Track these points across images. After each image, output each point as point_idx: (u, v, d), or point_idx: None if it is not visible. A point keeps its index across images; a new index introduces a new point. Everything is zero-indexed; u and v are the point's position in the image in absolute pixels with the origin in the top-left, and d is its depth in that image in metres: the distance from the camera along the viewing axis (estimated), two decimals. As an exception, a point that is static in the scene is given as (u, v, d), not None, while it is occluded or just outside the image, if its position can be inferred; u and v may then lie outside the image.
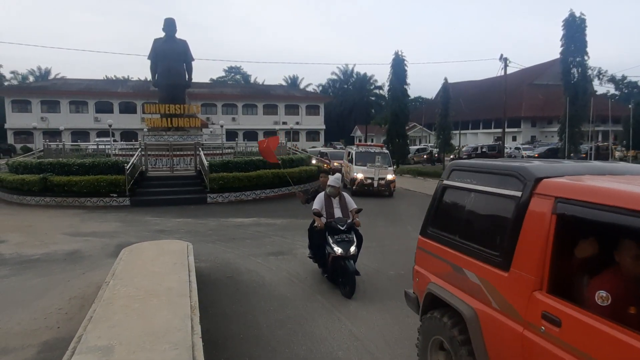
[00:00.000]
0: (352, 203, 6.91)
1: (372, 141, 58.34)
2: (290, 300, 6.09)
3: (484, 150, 39.33)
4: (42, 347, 4.74)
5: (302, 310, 5.73)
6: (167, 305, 4.17)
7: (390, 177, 16.86)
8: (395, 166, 29.25)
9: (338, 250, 6.19)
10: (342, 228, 6.36)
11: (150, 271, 5.30)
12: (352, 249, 6.30)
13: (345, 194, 6.98)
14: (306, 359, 4.50)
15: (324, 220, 6.54)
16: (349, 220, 6.53)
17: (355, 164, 17.17)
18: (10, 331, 5.13)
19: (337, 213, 6.69)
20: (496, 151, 39.28)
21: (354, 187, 16.56)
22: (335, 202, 6.80)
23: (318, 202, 6.77)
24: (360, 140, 60.66)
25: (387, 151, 18.31)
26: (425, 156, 39.87)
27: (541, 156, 37.13)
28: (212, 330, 4.97)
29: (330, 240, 6.31)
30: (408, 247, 9.11)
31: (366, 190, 16.48)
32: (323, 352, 4.62)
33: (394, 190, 17.08)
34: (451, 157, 41.40)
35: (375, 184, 16.50)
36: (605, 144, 36.33)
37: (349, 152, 19.16)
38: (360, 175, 16.55)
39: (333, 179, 6.91)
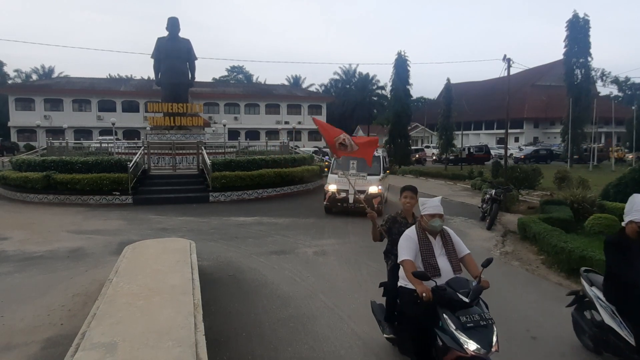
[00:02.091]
0: (461, 245, 4.03)
1: (374, 141, 58.24)
2: (293, 299, 6.09)
3: (471, 151, 39.16)
4: (45, 343, 4.76)
5: (305, 309, 5.73)
6: (170, 303, 4.19)
7: (373, 189, 12.32)
8: (397, 167, 29.24)
9: (471, 345, 3.26)
10: (467, 300, 3.42)
11: (153, 269, 5.32)
12: (495, 340, 3.33)
13: (449, 230, 4.08)
14: (308, 358, 4.50)
15: (431, 284, 3.55)
16: (473, 283, 3.57)
17: (331, 172, 13.29)
18: (14, 327, 5.15)
19: (444, 264, 3.82)
20: (483, 152, 39.26)
21: (325, 203, 12.78)
22: (438, 244, 3.92)
23: (409, 247, 3.85)
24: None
25: (379, 154, 14.04)
26: None
27: (528, 158, 36.89)
28: (215, 328, 4.98)
29: (452, 326, 3.36)
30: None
31: (341, 207, 12.47)
32: (326, 351, 4.63)
33: (381, 208, 12.27)
34: (434, 158, 41.33)
35: (351, 199, 12.12)
36: (601, 145, 36.23)
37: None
38: (332, 187, 12.41)
39: (434, 204, 3.98)
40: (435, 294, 3.47)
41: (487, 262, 3.72)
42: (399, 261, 3.89)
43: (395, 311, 4.38)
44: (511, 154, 42.02)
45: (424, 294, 3.45)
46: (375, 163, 13.32)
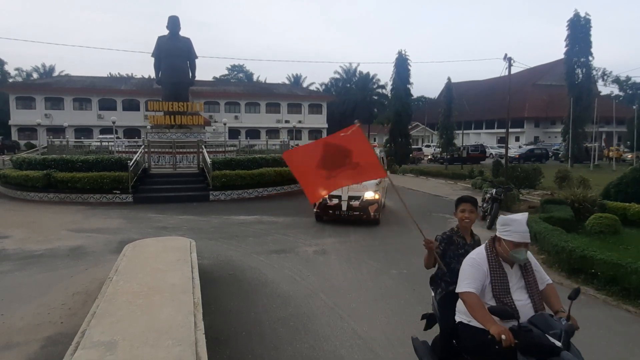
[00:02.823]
0: (543, 273, 3.14)
1: (374, 141, 58.21)
2: (293, 298, 6.08)
3: (467, 150, 38.99)
4: (45, 342, 4.75)
5: (305, 308, 5.72)
6: (170, 302, 4.18)
7: (369, 195, 10.91)
8: (397, 166, 29.22)
9: None
10: (560, 344, 2.60)
11: (153, 267, 5.31)
12: None
13: (529, 255, 3.13)
14: (308, 357, 4.50)
15: (510, 323, 2.78)
16: (562, 320, 2.73)
17: None
18: (13, 326, 5.14)
19: (523, 301, 2.94)
20: (479, 152, 39.19)
21: (315, 210, 11.42)
22: (515, 274, 3.03)
23: (474, 276, 2.98)
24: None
25: (376, 154, 10.81)
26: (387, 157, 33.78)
27: (522, 157, 36.68)
28: (215, 327, 4.98)
29: None
30: (409, 246, 9.12)
31: (333, 216, 11.12)
32: (326, 350, 4.62)
33: (378, 215, 11.04)
34: (429, 157, 41.27)
35: (344, 206, 10.84)
36: (595, 145, 36.23)
37: None
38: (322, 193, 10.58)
39: (520, 230, 3.02)
40: (517, 337, 2.63)
41: (575, 294, 2.83)
42: (458, 292, 2.99)
43: (451, 354, 3.30)
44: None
45: (503, 337, 2.58)
46: None
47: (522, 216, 3.13)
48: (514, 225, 3.02)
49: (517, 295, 2.92)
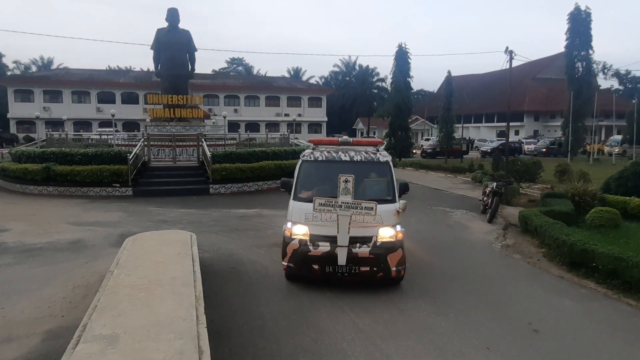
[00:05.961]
0: None
1: (374, 134, 57.99)
2: (294, 291, 6.09)
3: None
4: (46, 335, 4.74)
5: (306, 301, 5.73)
6: (171, 295, 4.17)
7: (387, 233, 6.13)
8: (397, 159, 29.13)
9: None
10: None
11: (154, 261, 5.29)
12: None
13: None
14: (310, 350, 4.50)
15: None
16: None
17: (296, 197, 6.49)
18: (14, 320, 5.13)
19: None
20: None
21: (286, 263, 6.24)
22: None
23: None
24: (362, 134, 59.93)
25: (387, 158, 6.84)
26: None
27: (494, 151, 35.83)
28: (216, 320, 4.97)
29: None
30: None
31: (319, 275, 6.09)
32: (327, 343, 4.62)
33: (403, 271, 6.15)
34: (418, 151, 41.08)
35: (342, 257, 5.87)
36: (592, 137, 36.12)
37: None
38: (298, 231, 6.19)
39: None
40: None
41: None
42: None
43: None
44: (477, 147, 42.07)
45: None
46: (382, 177, 6.74)
47: None
48: None
49: None
